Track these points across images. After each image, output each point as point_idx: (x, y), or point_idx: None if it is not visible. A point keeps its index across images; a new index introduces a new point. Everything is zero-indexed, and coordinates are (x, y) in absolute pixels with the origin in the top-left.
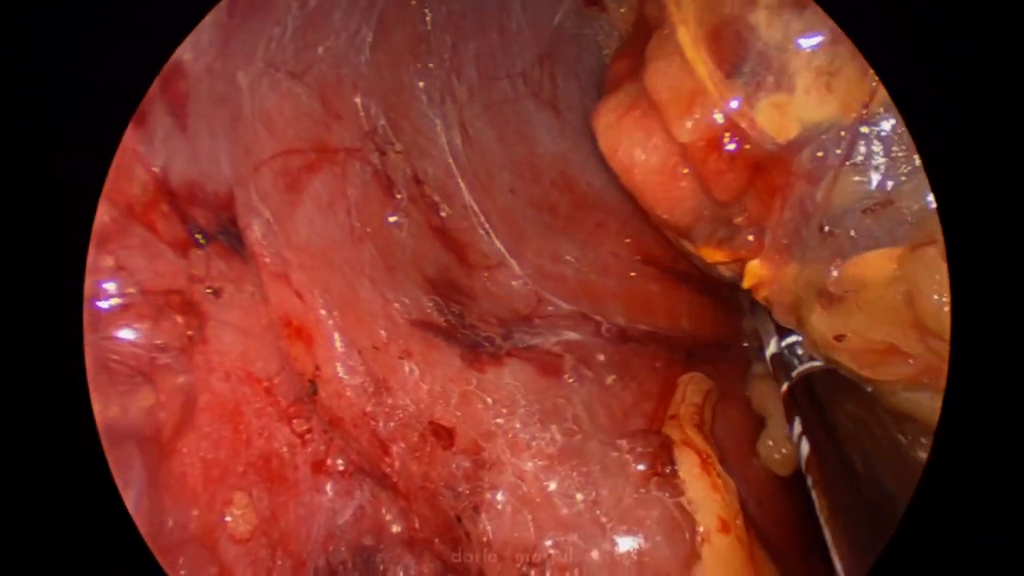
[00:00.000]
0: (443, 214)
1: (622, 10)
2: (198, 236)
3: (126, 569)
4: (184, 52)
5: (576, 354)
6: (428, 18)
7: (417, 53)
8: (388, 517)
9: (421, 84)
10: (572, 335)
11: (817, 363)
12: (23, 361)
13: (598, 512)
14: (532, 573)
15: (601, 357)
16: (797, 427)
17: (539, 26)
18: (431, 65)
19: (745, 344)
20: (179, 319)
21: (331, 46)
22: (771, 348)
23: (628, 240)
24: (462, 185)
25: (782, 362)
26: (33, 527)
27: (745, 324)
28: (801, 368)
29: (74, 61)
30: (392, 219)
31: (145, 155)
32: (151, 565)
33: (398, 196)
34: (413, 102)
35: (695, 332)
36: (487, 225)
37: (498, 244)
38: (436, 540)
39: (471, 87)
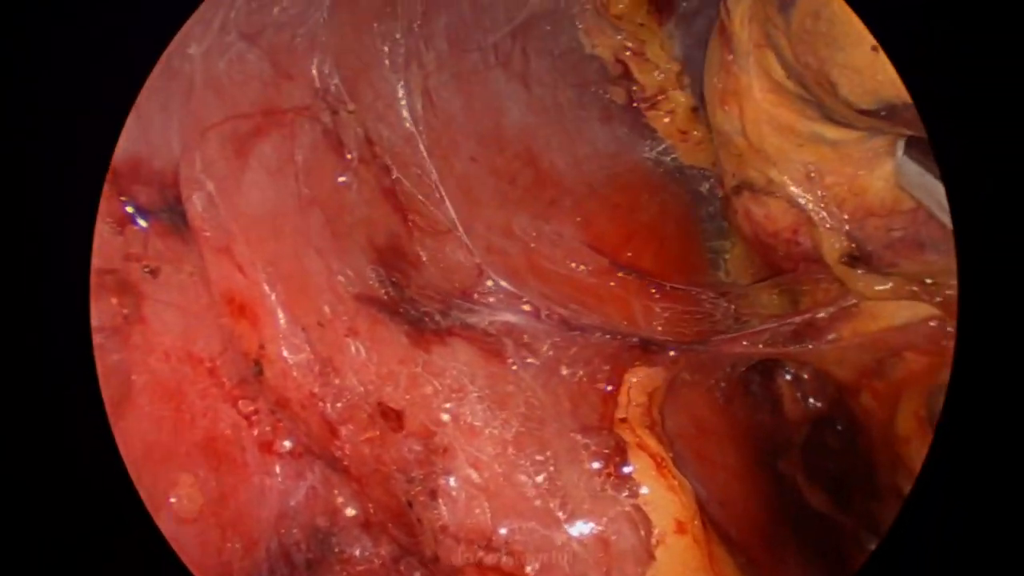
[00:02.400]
0: (394, 176)
1: None
2: (131, 211)
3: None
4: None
5: (515, 338)
6: None
7: (383, 17)
8: (340, 500)
9: (386, 48)
10: (509, 316)
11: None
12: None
13: (553, 504)
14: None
15: (546, 344)
16: None
17: (513, 1)
18: (398, 32)
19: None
20: (113, 300)
21: (287, 6)
22: None
23: (579, 219)
24: (422, 149)
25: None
26: None
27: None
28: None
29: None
30: (341, 179)
31: None
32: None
33: (348, 156)
34: (375, 65)
35: (649, 326)
36: (441, 190)
37: (450, 209)
38: (390, 524)
39: (440, 56)
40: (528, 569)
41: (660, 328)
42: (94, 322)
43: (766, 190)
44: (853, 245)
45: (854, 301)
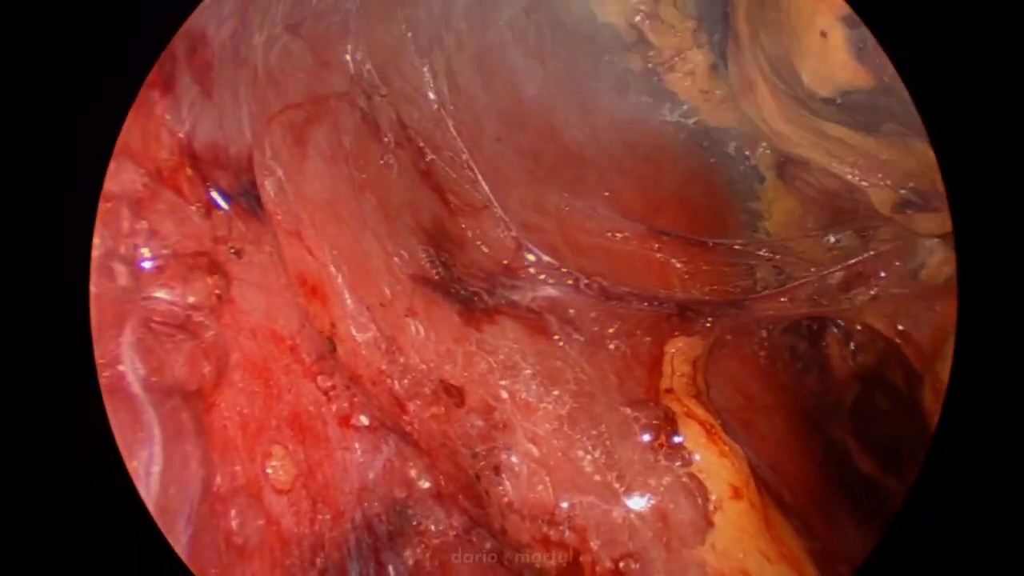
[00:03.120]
0: (428, 158)
1: None
2: (217, 197)
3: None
4: (207, 23)
5: (557, 314)
6: None
7: (406, 2)
8: (414, 472)
9: (410, 33)
10: (549, 291)
11: None
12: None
13: (611, 477)
14: (551, 532)
15: (588, 318)
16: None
17: None
18: (421, 15)
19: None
20: (208, 279)
21: None
22: None
23: (606, 193)
24: (451, 129)
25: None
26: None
27: None
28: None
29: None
30: (381, 161)
31: (172, 122)
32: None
33: (385, 139)
34: (401, 50)
35: (687, 290)
36: (475, 169)
37: (485, 187)
38: (460, 496)
39: (459, 37)
40: (591, 544)
41: (702, 290)
42: (190, 300)
43: (804, 164)
44: (903, 192)
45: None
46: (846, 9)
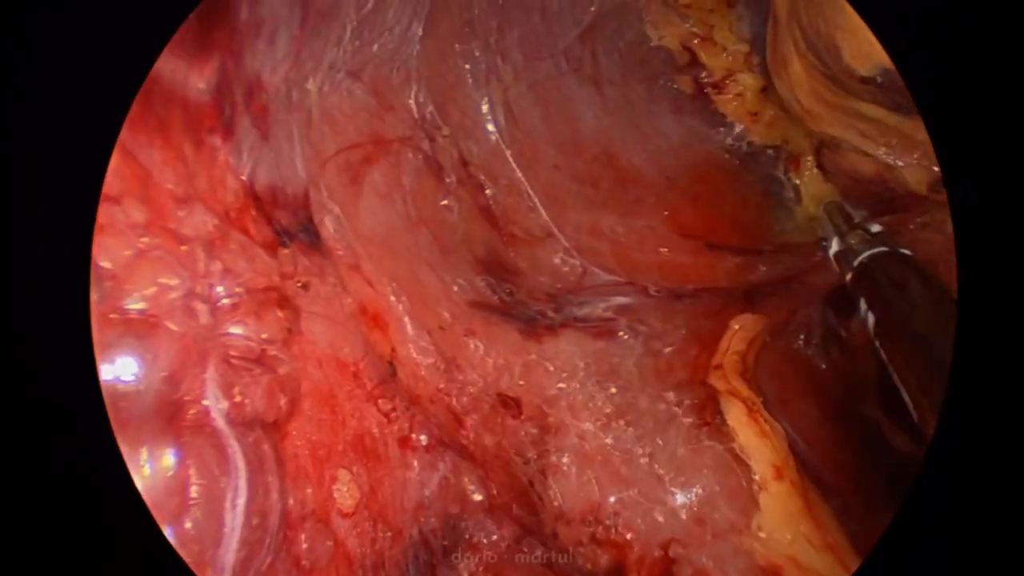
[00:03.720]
0: (488, 192)
1: None
2: (282, 237)
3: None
4: (262, 68)
5: (628, 316)
6: (474, 5)
7: (463, 38)
8: (470, 486)
9: (467, 67)
10: (621, 299)
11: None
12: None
13: (656, 465)
14: (599, 531)
15: (655, 315)
16: (863, 305)
17: (580, 4)
18: (476, 50)
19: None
20: (279, 313)
21: (384, 42)
22: (834, 247)
23: (665, 213)
24: (511, 161)
25: (845, 257)
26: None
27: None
28: (860, 257)
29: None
30: (444, 203)
31: (235, 165)
32: None
33: (447, 180)
34: (459, 85)
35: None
36: (534, 198)
37: (544, 216)
38: (514, 505)
39: (515, 68)
40: (638, 534)
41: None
42: (263, 335)
43: (838, 146)
44: (936, 169)
45: None
46: None
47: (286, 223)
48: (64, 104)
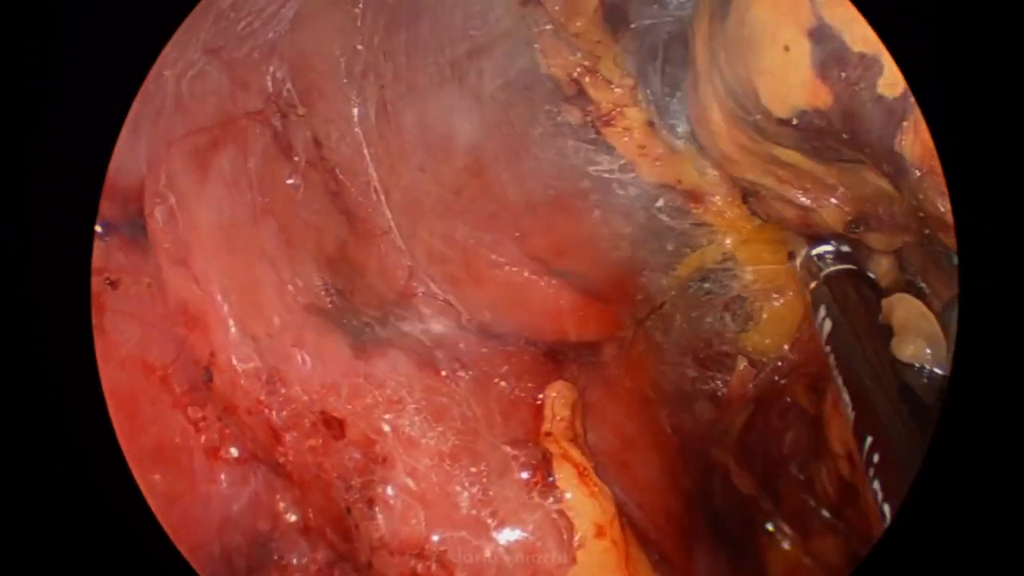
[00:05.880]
0: (339, 178)
1: (556, 7)
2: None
3: None
4: None
5: (445, 350)
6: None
7: (344, 30)
8: (282, 505)
9: (343, 59)
10: (437, 326)
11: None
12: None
13: (484, 513)
14: (419, 566)
15: (482, 351)
16: (822, 312)
17: (472, 20)
18: (358, 44)
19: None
20: None
21: (251, 21)
22: (801, 257)
23: (517, 234)
24: (366, 154)
25: (810, 267)
26: None
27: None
28: (827, 271)
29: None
30: (289, 181)
31: None
32: None
33: (296, 159)
34: (331, 74)
35: (578, 333)
36: (379, 192)
37: (387, 211)
38: (328, 530)
39: (397, 69)
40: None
41: (590, 332)
42: None
43: (758, 193)
44: (852, 213)
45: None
46: (812, 21)
47: (110, 215)
48: None
